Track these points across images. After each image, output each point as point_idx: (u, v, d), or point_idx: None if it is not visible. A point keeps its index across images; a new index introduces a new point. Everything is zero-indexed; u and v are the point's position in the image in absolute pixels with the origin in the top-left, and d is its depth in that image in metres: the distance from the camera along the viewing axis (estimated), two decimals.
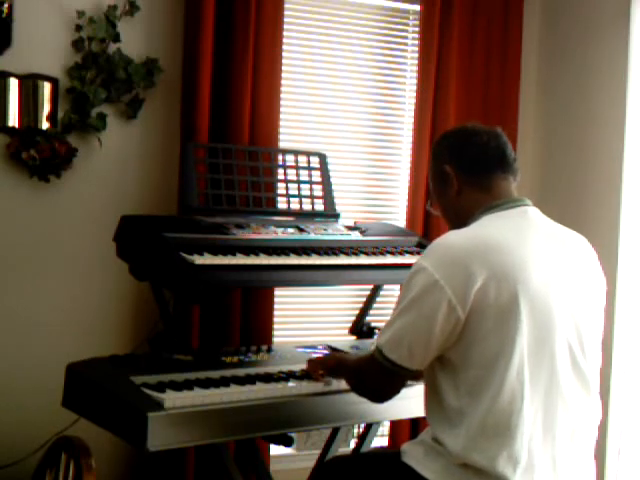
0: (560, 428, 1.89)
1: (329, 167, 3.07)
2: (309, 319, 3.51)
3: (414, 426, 3.37)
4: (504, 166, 2.05)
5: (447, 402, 1.88)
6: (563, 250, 1.98)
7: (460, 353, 1.86)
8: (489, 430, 1.82)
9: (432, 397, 1.95)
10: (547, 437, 1.87)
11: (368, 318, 3.10)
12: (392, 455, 2.05)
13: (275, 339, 3.25)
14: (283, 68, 3.24)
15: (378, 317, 3.39)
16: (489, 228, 1.95)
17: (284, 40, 3.24)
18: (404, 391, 2.09)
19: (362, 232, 2.90)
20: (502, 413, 1.82)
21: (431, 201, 2.21)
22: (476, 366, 1.84)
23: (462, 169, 2.04)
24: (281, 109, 3.24)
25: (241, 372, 2.38)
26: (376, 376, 1.97)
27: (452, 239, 1.93)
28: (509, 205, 2.00)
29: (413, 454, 1.97)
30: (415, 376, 1.98)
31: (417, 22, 3.55)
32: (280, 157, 3.04)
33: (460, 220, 2.03)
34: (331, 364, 2.29)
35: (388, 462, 2.06)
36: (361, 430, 2.95)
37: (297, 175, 3.01)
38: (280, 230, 2.71)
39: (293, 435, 2.34)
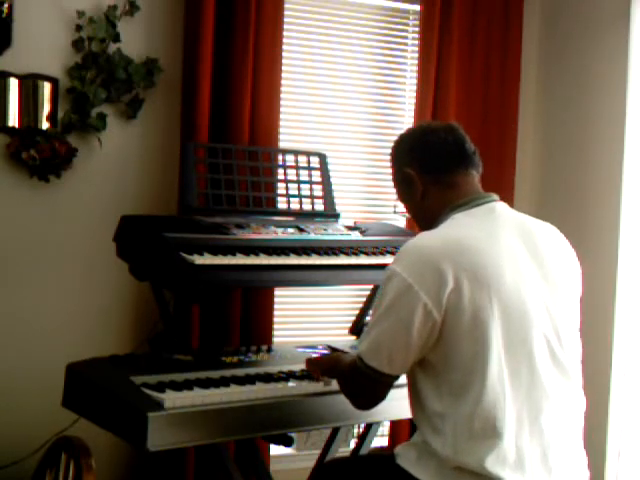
0: (546, 422, 1.89)
1: (329, 167, 3.07)
2: (309, 319, 3.51)
3: (414, 426, 3.35)
4: (465, 160, 2.04)
5: (429, 406, 1.89)
6: (534, 244, 1.98)
7: (440, 356, 1.86)
8: (476, 433, 1.83)
9: (415, 401, 1.96)
10: (534, 432, 1.88)
11: (368, 318, 3.10)
12: (387, 458, 2.05)
13: (275, 339, 3.25)
14: (283, 68, 3.24)
15: None
16: (459, 228, 1.94)
17: (284, 40, 3.24)
18: (403, 391, 2.09)
19: (362, 232, 2.90)
20: (487, 415, 1.82)
21: (397, 205, 2.21)
22: (457, 368, 1.84)
23: (424, 170, 2.03)
24: (281, 109, 3.24)
25: (241, 372, 2.38)
26: (359, 384, 1.97)
27: (423, 241, 1.92)
28: (476, 202, 1.99)
29: (407, 456, 1.97)
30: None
31: (417, 22, 3.55)
32: (280, 157, 3.03)
33: (429, 221, 2.03)
34: (325, 367, 2.28)
35: (383, 465, 2.06)
36: (361, 430, 2.96)
37: (297, 175, 3.01)
38: (280, 230, 2.71)
39: (293, 435, 2.34)
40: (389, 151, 3.54)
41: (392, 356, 1.87)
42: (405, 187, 2.08)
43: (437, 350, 1.86)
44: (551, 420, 1.90)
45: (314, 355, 2.65)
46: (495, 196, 2.04)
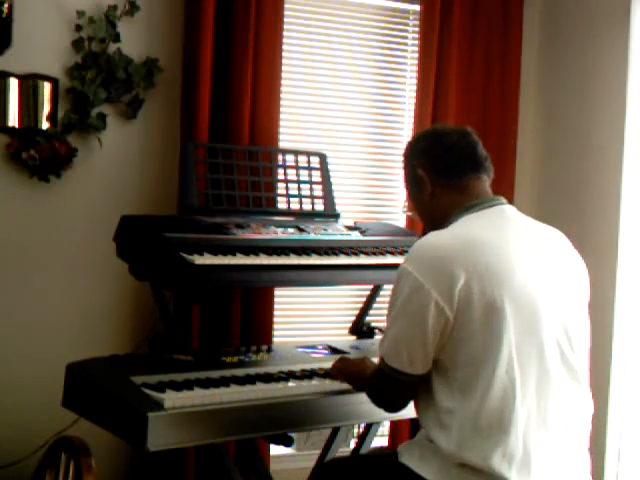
0: (553, 423, 1.90)
1: (329, 167, 3.07)
2: (309, 319, 3.51)
3: (414, 426, 3.36)
4: (475, 165, 2.05)
5: (439, 403, 1.89)
6: (543, 246, 1.99)
7: (448, 353, 1.87)
8: (482, 429, 1.83)
9: (425, 399, 1.96)
10: (541, 432, 1.88)
11: (368, 318, 3.10)
12: (389, 456, 2.06)
13: (275, 339, 3.25)
14: (283, 68, 3.24)
15: (378, 317, 3.39)
16: (469, 227, 1.96)
17: (284, 40, 3.24)
18: None
19: (362, 232, 2.90)
20: (494, 411, 1.83)
21: (408, 205, 2.22)
22: (464, 365, 1.85)
23: (434, 171, 2.05)
24: (281, 109, 3.24)
25: (241, 372, 2.38)
26: (385, 386, 1.99)
27: (433, 240, 1.94)
28: (485, 205, 2.01)
29: (410, 454, 1.98)
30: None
31: (417, 22, 3.55)
32: (280, 157, 3.04)
33: (437, 222, 2.04)
34: (350, 381, 2.27)
35: (386, 463, 2.06)
36: (361, 430, 2.96)
37: (297, 175, 3.01)
38: (280, 230, 2.71)
39: (293, 435, 2.34)
40: (389, 151, 3.60)
41: (412, 355, 1.88)
42: (415, 188, 2.10)
43: (446, 348, 1.87)
44: (558, 422, 1.91)
45: (316, 355, 2.66)
46: (503, 199, 2.05)
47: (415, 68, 3.53)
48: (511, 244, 1.93)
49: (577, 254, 2.07)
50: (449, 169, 2.04)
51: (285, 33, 3.25)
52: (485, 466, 1.82)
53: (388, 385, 1.97)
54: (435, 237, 1.95)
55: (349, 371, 2.29)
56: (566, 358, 1.93)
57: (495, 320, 1.83)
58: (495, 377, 1.83)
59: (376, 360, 2.17)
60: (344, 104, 3.52)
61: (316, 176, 3.04)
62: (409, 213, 2.27)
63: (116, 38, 3.02)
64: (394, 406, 2.05)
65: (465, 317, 1.83)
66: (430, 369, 1.92)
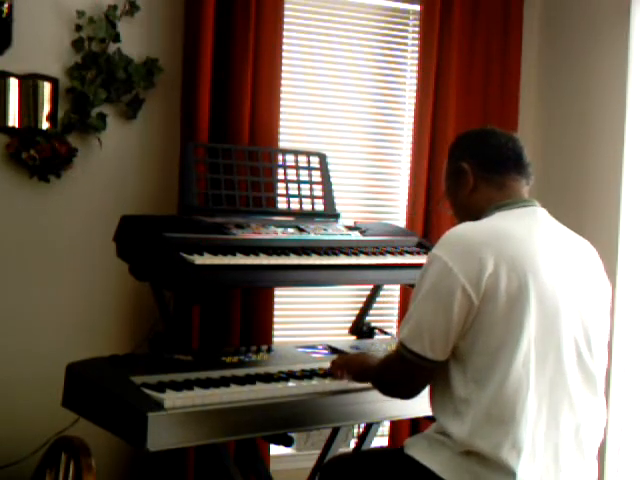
0: (564, 421, 1.91)
1: (329, 167, 3.08)
2: (309, 319, 3.51)
3: (414, 426, 3.37)
4: (519, 168, 2.10)
5: (455, 392, 1.90)
6: (570, 250, 2.02)
7: (467, 341, 1.88)
8: (494, 417, 1.85)
9: (440, 387, 1.97)
10: (551, 428, 1.89)
11: (368, 318, 3.10)
12: (395, 451, 2.08)
13: (275, 339, 3.25)
14: (283, 68, 3.24)
15: (378, 317, 3.40)
16: (498, 221, 2.00)
17: (284, 40, 3.24)
18: None
19: (362, 232, 2.90)
20: (507, 401, 1.84)
21: (443, 199, 2.24)
22: (482, 353, 1.87)
23: (478, 166, 2.09)
24: (281, 109, 3.24)
25: (241, 372, 2.38)
26: (401, 371, 1.99)
27: (464, 229, 1.98)
28: (519, 204, 2.05)
29: (417, 446, 1.99)
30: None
31: (417, 22, 3.55)
32: (280, 157, 3.04)
33: (472, 217, 2.08)
34: (355, 370, 2.28)
35: (391, 457, 2.08)
36: (361, 430, 2.96)
37: (297, 175, 3.01)
38: (280, 230, 2.71)
39: (293, 435, 2.34)
40: (389, 151, 3.60)
41: (433, 340, 1.89)
42: (456, 180, 2.13)
43: (466, 335, 1.88)
44: (569, 421, 1.92)
45: (316, 355, 2.66)
46: (537, 202, 2.10)
47: (415, 68, 3.53)
48: (538, 241, 1.96)
49: (602, 267, 2.08)
50: (494, 165, 2.08)
51: (285, 33, 3.25)
52: (493, 454, 1.84)
53: (404, 370, 1.96)
54: (466, 227, 1.99)
55: (350, 365, 2.30)
56: (583, 360, 1.94)
57: (518, 311, 1.85)
58: (512, 368, 1.84)
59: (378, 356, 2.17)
60: (344, 104, 3.52)
61: (316, 176, 3.04)
62: (443, 208, 2.29)
63: (116, 38, 3.02)
64: (407, 392, 2.04)
65: (489, 306, 1.85)
66: (448, 357, 1.92)
